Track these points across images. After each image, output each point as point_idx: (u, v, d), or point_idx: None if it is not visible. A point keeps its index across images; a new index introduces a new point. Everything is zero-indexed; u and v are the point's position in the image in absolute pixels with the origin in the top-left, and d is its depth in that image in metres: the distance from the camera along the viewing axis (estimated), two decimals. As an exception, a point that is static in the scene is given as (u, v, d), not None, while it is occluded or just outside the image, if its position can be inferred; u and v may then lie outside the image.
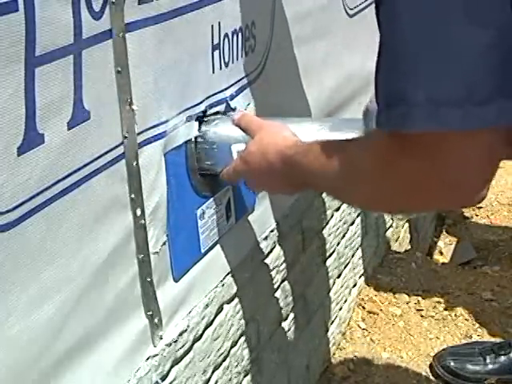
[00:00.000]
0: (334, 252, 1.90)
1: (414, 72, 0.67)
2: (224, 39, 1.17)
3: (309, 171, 0.91)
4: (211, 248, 1.23)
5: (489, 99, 0.66)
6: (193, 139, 1.13)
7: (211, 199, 1.21)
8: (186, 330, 1.16)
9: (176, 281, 1.12)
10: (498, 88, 0.67)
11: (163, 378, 1.09)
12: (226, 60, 1.19)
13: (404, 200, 0.78)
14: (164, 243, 1.07)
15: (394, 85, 0.69)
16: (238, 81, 1.25)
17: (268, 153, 1.00)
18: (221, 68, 1.18)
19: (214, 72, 1.16)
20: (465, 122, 0.66)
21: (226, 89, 1.21)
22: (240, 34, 1.22)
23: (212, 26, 1.13)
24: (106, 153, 0.91)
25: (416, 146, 0.71)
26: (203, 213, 1.19)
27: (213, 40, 1.14)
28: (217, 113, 1.19)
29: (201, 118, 1.15)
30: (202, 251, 1.20)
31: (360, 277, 2.15)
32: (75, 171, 0.85)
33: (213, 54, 1.15)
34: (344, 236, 1.98)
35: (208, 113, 1.17)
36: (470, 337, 2.01)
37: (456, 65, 0.66)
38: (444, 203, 0.79)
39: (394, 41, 0.69)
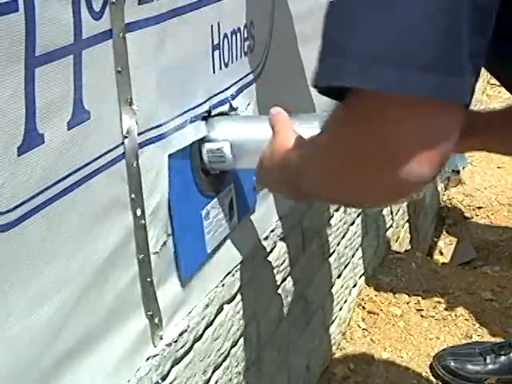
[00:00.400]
0: (334, 252, 1.90)
1: (353, 24, 0.64)
2: (223, 39, 1.17)
3: (289, 166, 0.90)
4: (216, 248, 1.23)
5: (429, 67, 0.62)
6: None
7: (215, 199, 1.21)
8: (186, 330, 1.16)
9: (183, 282, 1.12)
10: (439, 59, 0.62)
11: (163, 378, 1.09)
12: (226, 60, 1.19)
13: (346, 177, 0.72)
14: (164, 243, 1.07)
15: (331, 38, 0.66)
16: (239, 81, 1.25)
17: (274, 157, 1.01)
18: (221, 68, 1.18)
19: (214, 72, 1.16)
20: (399, 84, 0.62)
21: (226, 89, 1.21)
22: (239, 34, 1.23)
23: (212, 26, 1.13)
24: (106, 153, 0.91)
25: (355, 111, 0.67)
26: (208, 213, 1.19)
27: (213, 40, 1.14)
28: (221, 113, 1.19)
29: (205, 118, 1.15)
30: (208, 251, 1.20)
31: (360, 277, 2.15)
32: (75, 171, 0.85)
33: (213, 54, 1.15)
34: (344, 236, 1.98)
35: (213, 113, 1.17)
36: (470, 337, 2.01)
37: (399, 22, 0.62)
38: (383, 182, 0.69)
39: None
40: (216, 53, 1.16)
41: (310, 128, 1.07)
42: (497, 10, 0.66)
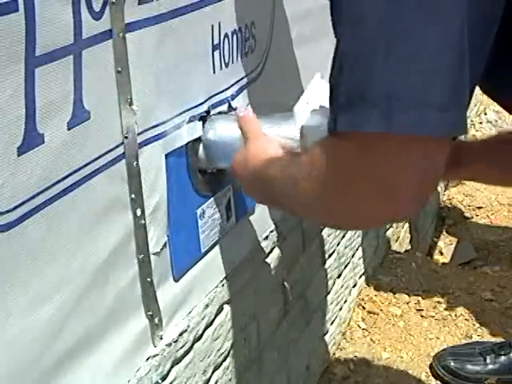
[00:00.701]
0: (334, 252, 1.90)
1: (373, 72, 0.65)
2: (224, 39, 1.17)
3: (266, 180, 0.91)
4: (211, 248, 1.23)
5: (446, 106, 0.64)
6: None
7: (211, 199, 1.21)
8: (186, 330, 1.15)
9: (176, 280, 1.12)
10: (452, 96, 0.65)
11: (163, 378, 1.09)
12: (226, 60, 1.19)
13: (336, 204, 0.74)
14: (164, 244, 1.07)
15: (348, 85, 0.67)
16: (239, 81, 1.25)
17: (247, 166, 1.01)
18: (221, 68, 1.18)
19: (214, 72, 1.16)
20: (422, 127, 0.64)
21: (226, 89, 1.21)
22: (240, 34, 1.22)
23: (212, 26, 1.13)
24: (106, 153, 0.91)
25: (355, 141, 0.68)
26: (203, 212, 1.19)
27: (213, 40, 1.14)
28: (219, 113, 1.19)
29: (204, 118, 1.15)
30: (202, 251, 1.19)
31: (360, 277, 2.15)
32: (75, 171, 0.85)
33: (213, 54, 1.15)
34: (344, 236, 1.98)
35: (212, 113, 1.17)
36: (470, 337, 2.01)
37: (414, 66, 0.64)
38: (376, 207, 0.71)
39: (354, 39, 0.67)
40: (216, 53, 1.16)
41: (278, 128, 1.08)
42: (491, 38, 0.68)
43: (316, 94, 1.13)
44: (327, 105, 0.72)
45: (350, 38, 0.68)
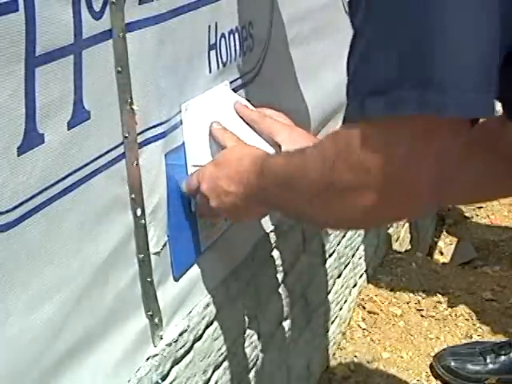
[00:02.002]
0: (334, 252, 1.90)
1: (404, 58, 0.68)
2: (221, 39, 1.17)
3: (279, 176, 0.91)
4: (211, 247, 1.23)
5: (479, 88, 0.67)
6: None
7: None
8: (186, 330, 1.15)
9: (176, 280, 1.12)
10: (485, 79, 0.67)
11: (163, 378, 1.09)
12: (224, 60, 1.19)
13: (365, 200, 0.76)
14: (165, 244, 1.07)
15: (382, 72, 0.70)
16: (235, 80, 1.25)
17: (242, 158, 1.02)
18: (218, 68, 1.18)
19: (210, 72, 1.16)
20: (456, 108, 0.67)
21: (225, 89, 1.21)
22: (237, 34, 1.22)
23: (209, 26, 1.13)
24: (106, 153, 0.91)
25: (394, 132, 0.72)
26: (203, 212, 1.18)
27: (209, 40, 1.14)
28: None
29: None
30: (202, 250, 1.19)
31: (360, 277, 2.15)
32: (75, 171, 0.85)
33: (209, 53, 1.15)
34: (344, 236, 1.98)
35: None
36: (471, 337, 2.01)
37: (444, 51, 0.66)
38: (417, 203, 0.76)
39: (374, 28, 0.71)
40: (212, 52, 1.16)
41: None
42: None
43: (216, 100, 1.14)
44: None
45: (370, 27, 0.72)
